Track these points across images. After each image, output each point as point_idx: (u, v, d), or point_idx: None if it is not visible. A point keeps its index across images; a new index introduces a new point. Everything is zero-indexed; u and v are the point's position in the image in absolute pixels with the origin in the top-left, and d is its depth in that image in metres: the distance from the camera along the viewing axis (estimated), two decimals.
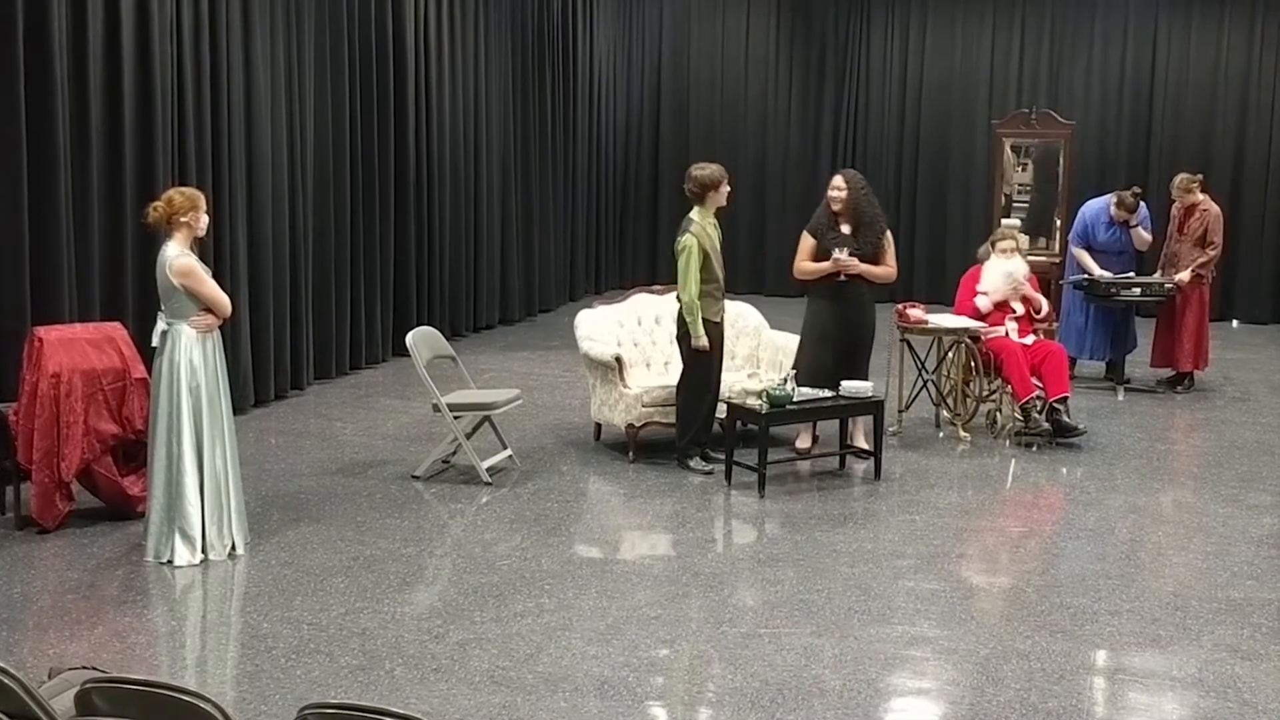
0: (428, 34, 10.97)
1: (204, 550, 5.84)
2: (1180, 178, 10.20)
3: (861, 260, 7.59)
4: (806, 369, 7.49)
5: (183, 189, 5.99)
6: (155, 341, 5.87)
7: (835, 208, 7.65)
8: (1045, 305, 8.79)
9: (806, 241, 7.75)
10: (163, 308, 5.86)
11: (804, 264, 7.73)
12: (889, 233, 7.81)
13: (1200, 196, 10.06)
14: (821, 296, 7.72)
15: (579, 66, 14.03)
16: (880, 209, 7.92)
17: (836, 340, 7.64)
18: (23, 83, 6.80)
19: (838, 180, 7.75)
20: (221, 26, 8.28)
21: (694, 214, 7.44)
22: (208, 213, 5.93)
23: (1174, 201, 10.22)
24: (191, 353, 5.80)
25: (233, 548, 5.93)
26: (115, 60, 7.43)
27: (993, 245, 8.76)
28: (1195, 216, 10.03)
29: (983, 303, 8.52)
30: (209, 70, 8.20)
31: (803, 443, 7.96)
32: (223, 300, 5.90)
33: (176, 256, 5.75)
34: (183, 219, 5.77)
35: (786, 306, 13.64)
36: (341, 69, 9.72)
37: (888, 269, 7.73)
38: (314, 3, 9.35)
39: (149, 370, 6.10)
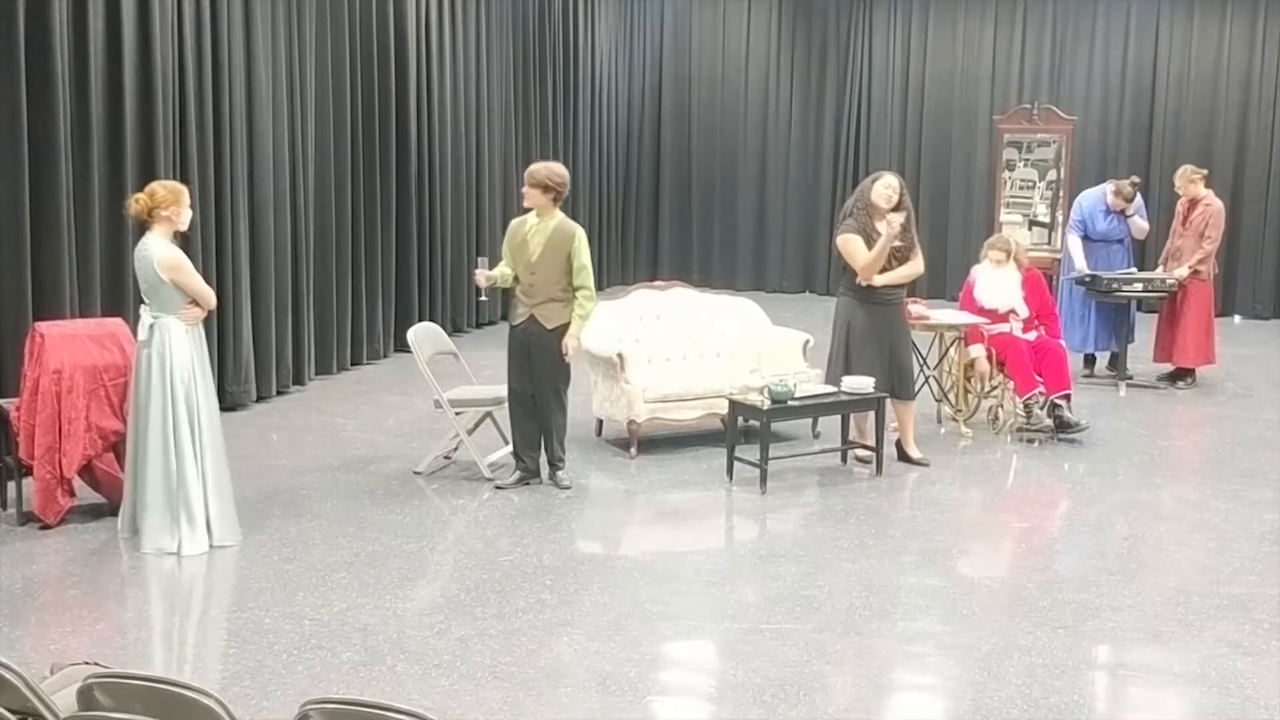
0: (429, 29, 10.96)
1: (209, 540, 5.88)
2: (1185, 169, 10.22)
3: (899, 260, 7.46)
4: (866, 371, 7.37)
5: (165, 182, 6.02)
6: (142, 335, 5.87)
7: (887, 206, 7.38)
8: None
9: (858, 242, 7.43)
10: (146, 301, 5.87)
11: (865, 256, 7.38)
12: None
13: (1204, 191, 10.05)
14: (864, 300, 7.50)
15: (580, 63, 14.03)
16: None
17: (880, 342, 7.50)
18: (24, 79, 6.80)
19: (893, 180, 7.46)
20: (223, 23, 8.29)
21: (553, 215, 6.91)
22: (192, 207, 5.95)
23: (1179, 195, 10.20)
24: (181, 345, 5.83)
25: (221, 538, 5.94)
26: (116, 57, 7.42)
27: (986, 252, 8.68)
28: (1198, 210, 10.03)
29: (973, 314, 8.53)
30: (210, 66, 8.20)
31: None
32: (208, 293, 5.96)
33: (164, 251, 5.77)
34: (164, 212, 5.79)
35: (788, 303, 13.67)
36: (343, 65, 9.72)
37: (913, 266, 7.52)
38: None
39: None
